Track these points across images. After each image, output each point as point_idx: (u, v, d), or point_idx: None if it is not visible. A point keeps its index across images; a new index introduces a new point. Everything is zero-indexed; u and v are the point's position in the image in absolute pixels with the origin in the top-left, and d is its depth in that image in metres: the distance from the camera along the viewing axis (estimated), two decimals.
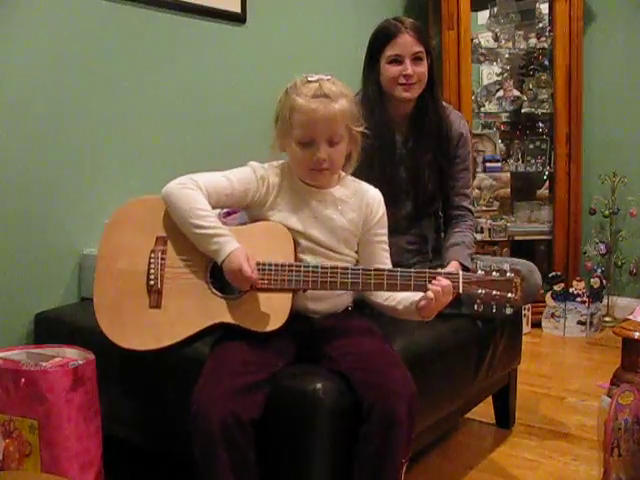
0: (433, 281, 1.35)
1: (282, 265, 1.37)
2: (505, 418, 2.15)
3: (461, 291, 1.37)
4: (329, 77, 1.41)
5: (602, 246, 3.42)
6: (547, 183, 3.56)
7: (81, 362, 1.48)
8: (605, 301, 3.40)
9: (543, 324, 3.31)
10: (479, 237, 3.22)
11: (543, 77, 3.41)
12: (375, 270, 1.39)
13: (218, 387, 1.26)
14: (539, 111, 3.42)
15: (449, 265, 1.80)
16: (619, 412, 1.60)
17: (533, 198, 3.59)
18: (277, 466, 1.36)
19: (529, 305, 3.19)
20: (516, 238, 3.44)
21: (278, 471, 1.36)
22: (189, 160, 2.30)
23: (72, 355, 1.55)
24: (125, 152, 2.15)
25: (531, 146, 3.47)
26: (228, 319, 1.39)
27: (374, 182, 1.59)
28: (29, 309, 1.91)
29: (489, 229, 3.38)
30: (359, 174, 1.58)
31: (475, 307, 1.38)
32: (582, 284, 3.26)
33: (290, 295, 1.38)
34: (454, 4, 3.22)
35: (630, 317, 1.84)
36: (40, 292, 1.94)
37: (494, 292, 1.36)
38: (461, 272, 1.39)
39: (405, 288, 1.38)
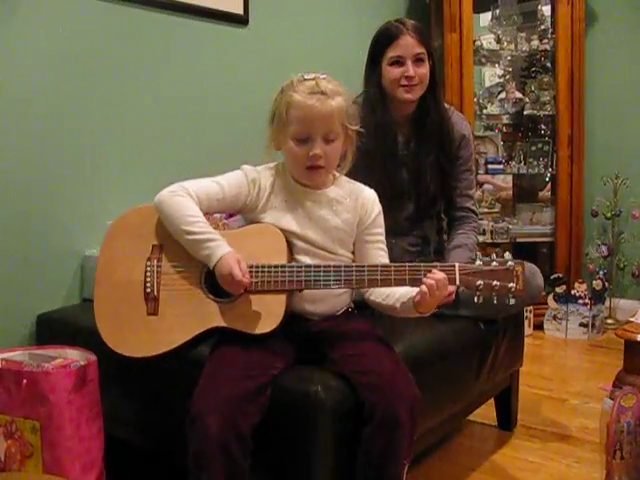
0: (428, 274, 1.33)
1: (275, 266, 1.37)
2: (507, 420, 2.15)
3: (458, 283, 1.34)
4: (325, 75, 1.42)
5: (604, 248, 3.41)
6: (549, 185, 3.56)
7: (83, 363, 1.48)
8: (607, 303, 3.40)
9: (545, 326, 3.31)
10: (481, 239, 3.21)
11: (545, 79, 3.41)
12: (369, 266, 1.38)
13: (218, 394, 1.25)
14: (541, 113, 3.42)
15: None
16: (621, 414, 1.60)
17: (535, 200, 3.58)
18: (278, 467, 1.36)
19: (531, 307, 3.19)
20: (518, 240, 3.44)
21: (280, 472, 1.36)
22: (190, 161, 2.31)
23: (74, 356, 1.55)
24: (126, 153, 2.15)
25: (533, 148, 3.47)
26: (222, 323, 1.39)
27: (376, 183, 1.59)
28: (31, 310, 1.91)
29: (491, 231, 3.38)
30: (361, 175, 1.58)
31: (475, 299, 1.34)
32: (584, 286, 3.25)
33: (284, 296, 1.38)
34: (456, 6, 3.22)
35: (632, 319, 1.84)
36: (42, 293, 1.95)
37: (494, 283, 1.33)
38: (457, 264, 1.35)
39: (400, 283, 1.36)
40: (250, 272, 1.36)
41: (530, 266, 1.90)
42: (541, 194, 3.60)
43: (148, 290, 1.44)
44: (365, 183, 1.56)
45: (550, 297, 3.27)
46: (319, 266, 1.37)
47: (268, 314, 1.37)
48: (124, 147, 2.15)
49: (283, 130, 1.42)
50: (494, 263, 1.34)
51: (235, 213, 1.67)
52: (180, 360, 1.45)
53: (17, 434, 1.45)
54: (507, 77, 3.54)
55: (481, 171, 3.36)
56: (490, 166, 3.40)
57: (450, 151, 1.92)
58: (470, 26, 3.25)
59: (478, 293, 1.34)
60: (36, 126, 1.92)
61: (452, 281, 1.34)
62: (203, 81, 2.41)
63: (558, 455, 1.98)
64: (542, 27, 3.38)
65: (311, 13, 2.85)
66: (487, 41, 3.47)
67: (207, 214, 1.46)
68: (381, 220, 1.55)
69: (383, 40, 1.86)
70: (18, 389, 1.43)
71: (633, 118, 3.38)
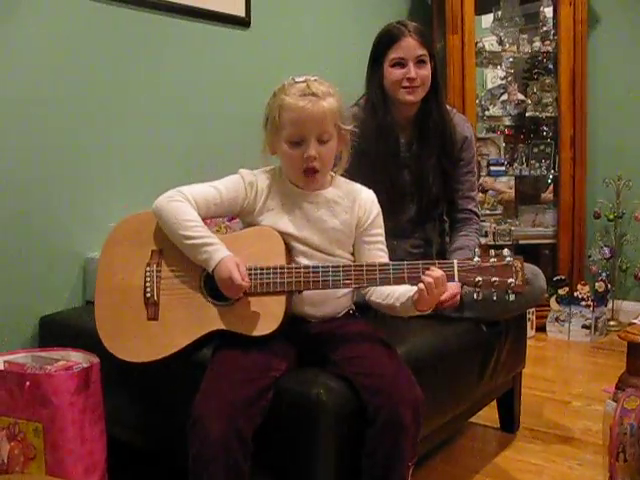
0: (426, 272, 1.33)
1: (273, 268, 1.37)
2: (509, 422, 2.15)
3: (456, 280, 1.34)
4: (316, 77, 1.42)
5: (607, 250, 3.41)
6: (551, 187, 3.55)
7: (86, 365, 1.49)
8: (610, 305, 3.39)
9: (547, 328, 3.30)
10: (483, 241, 3.21)
11: (547, 80, 3.41)
12: (367, 265, 1.38)
13: (220, 397, 1.25)
14: (543, 114, 3.42)
15: None
16: (625, 417, 1.59)
17: (537, 202, 3.58)
18: (280, 469, 1.36)
19: (533, 309, 3.19)
20: (520, 242, 3.43)
21: (281, 474, 1.36)
22: (192, 163, 2.31)
23: (77, 358, 1.56)
24: (127, 153, 2.16)
25: (535, 150, 3.47)
26: (222, 326, 1.39)
27: (378, 185, 1.59)
28: (34, 312, 1.92)
29: (493, 233, 3.37)
30: (363, 177, 1.58)
31: (475, 296, 1.34)
32: (587, 288, 3.25)
33: (284, 298, 1.38)
34: (458, 8, 3.22)
35: (635, 321, 1.83)
36: (45, 295, 1.95)
37: (493, 278, 1.32)
38: (456, 260, 1.36)
39: (399, 281, 1.36)
40: (249, 274, 1.36)
41: (532, 268, 1.90)
42: (543, 196, 3.60)
43: (148, 295, 1.44)
44: (367, 185, 1.56)
45: (552, 299, 3.27)
46: (317, 267, 1.37)
47: (268, 316, 1.37)
48: (126, 147, 2.15)
49: (277, 134, 1.43)
50: (492, 259, 1.34)
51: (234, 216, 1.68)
52: (181, 363, 1.44)
53: (20, 436, 1.45)
54: (509, 79, 3.54)
55: (483, 173, 3.35)
56: (492, 168, 3.40)
57: (452, 153, 1.92)
58: (472, 28, 3.25)
59: (477, 290, 1.34)
60: (36, 126, 1.92)
61: (450, 278, 1.34)
62: (205, 83, 2.41)
63: (561, 457, 1.97)
64: (544, 29, 3.38)
65: (313, 15, 2.86)
66: (489, 43, 3.47)
67: (205, 219, 1.46)
68: (380, 221, 1.55)
69: (385, 42, 1.86)
70: (21, 391, 1.43)
71: (635, 120, 3.38)
